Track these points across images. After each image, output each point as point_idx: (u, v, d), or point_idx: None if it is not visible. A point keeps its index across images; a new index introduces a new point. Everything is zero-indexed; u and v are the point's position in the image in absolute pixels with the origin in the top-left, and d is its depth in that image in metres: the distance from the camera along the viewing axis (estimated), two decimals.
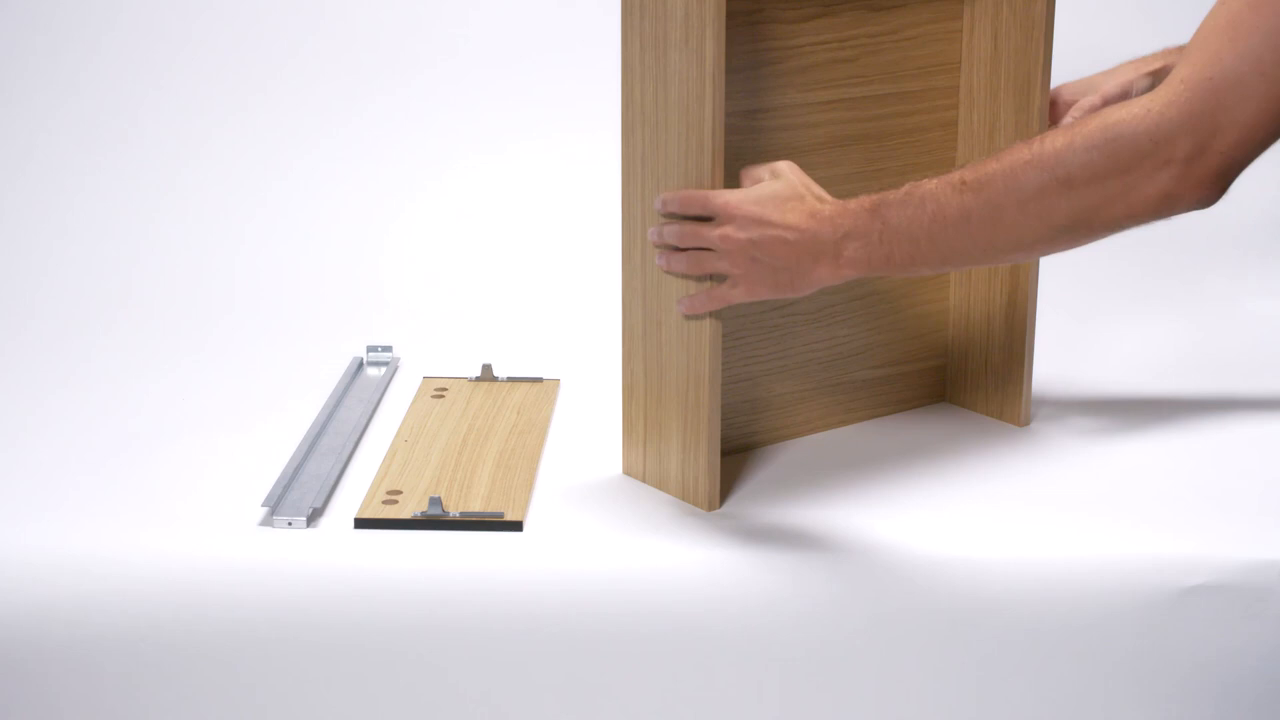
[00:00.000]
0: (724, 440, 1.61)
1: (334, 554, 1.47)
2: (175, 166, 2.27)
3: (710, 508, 1.52)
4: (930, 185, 1.38)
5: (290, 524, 1.50)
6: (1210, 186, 1.30)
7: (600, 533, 1.49)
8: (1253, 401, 1.79)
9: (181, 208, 2.24)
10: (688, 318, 1.50)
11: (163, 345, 1.97)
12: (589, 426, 1.72)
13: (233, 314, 2.07)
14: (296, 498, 1.54)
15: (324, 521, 1.52)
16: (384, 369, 1.88)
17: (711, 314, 1.48)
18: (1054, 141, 1.33)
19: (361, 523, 1.51)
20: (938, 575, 1.44)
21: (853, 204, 1.41)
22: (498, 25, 2.32)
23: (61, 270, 2.15)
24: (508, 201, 2.27)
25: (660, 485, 1.56)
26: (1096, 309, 2.09)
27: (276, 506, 1.52)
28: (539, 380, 1.85)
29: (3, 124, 2.27)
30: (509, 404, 1.78)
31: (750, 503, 1.54)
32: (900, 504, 1.54)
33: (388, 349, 1.91)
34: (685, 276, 1.49)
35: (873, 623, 1.43)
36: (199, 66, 2.30)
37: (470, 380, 1.84)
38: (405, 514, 1.51)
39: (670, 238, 1.48)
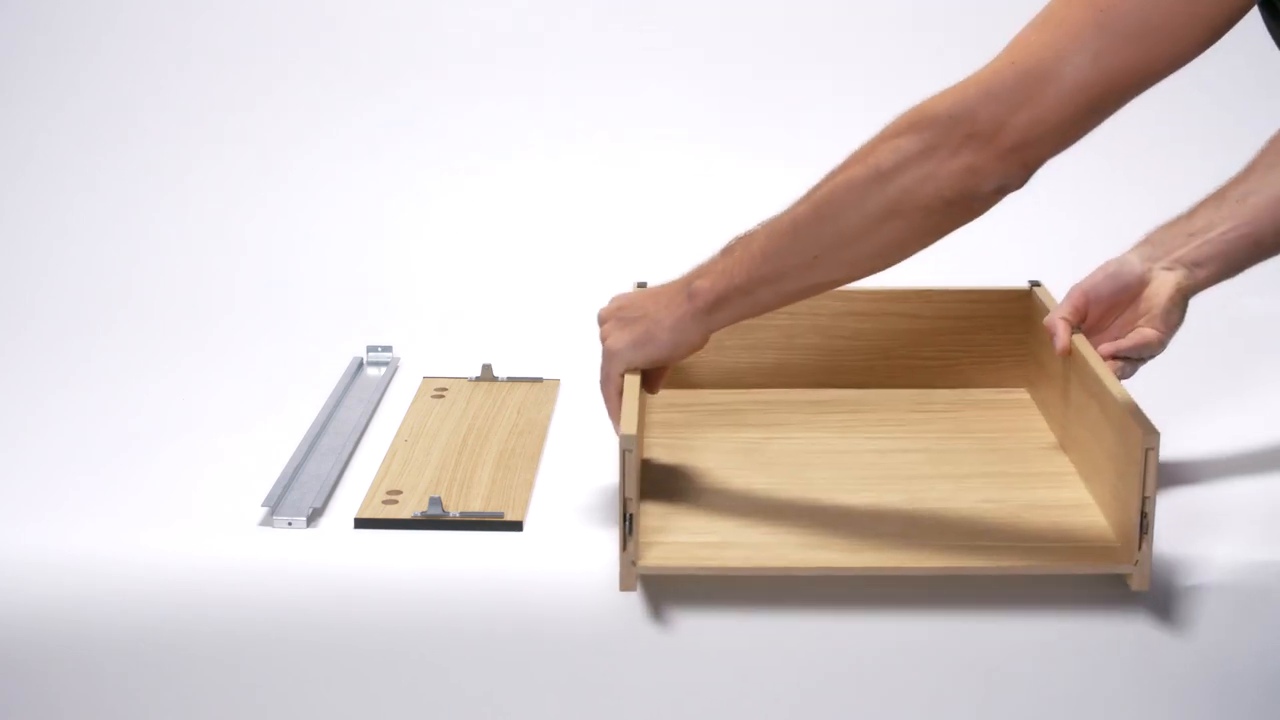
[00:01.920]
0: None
1: (334, 554, 1.47)
2: (175, 167, 2.27)
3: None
4: (775, 213, 1.41)
5: (290, 524, 1.50)
6: (1011, 160, 1.28)
7: (600, 533, 1.49)
8: (1252, 399, 1.79)
9: (181, 208, 2.24)
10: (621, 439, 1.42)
11: (163, 345, 1.97)
12: (589, 426, 1.72)
13: (233, 314, 2.07)
14: (296, 498, 1.54)
15: (324, 521, 1.52)
16: (384, 369, 1.88)
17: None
18: (870, 140, 1.34)
19: (361, 523, 1.51)
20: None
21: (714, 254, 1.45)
22: (500, 27, 2.32)
23: (61, 270, 2.15)
24: (508, 201, 2.27)
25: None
26: None
27: (276, 506, 1.52)
28: (539, 380, 1.85)
29: (3, 124, 2.27)
30: (509, 404, 1.78)
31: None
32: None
33: (388, 349, 1.91)
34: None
35: (872, 621, 1.43)
36: (199, 67, 2.30)
37: (470, 380, 1.84)
38: (405, 514, 1.51)
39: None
